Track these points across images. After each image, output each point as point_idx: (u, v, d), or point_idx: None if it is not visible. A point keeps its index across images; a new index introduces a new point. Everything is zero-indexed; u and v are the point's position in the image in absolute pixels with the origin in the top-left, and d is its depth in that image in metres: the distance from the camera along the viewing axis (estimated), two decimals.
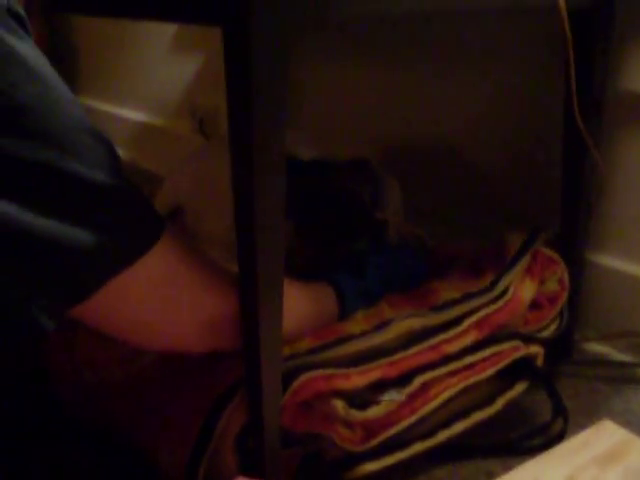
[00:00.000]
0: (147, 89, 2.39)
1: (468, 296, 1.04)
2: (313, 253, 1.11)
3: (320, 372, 0.87)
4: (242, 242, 0.77)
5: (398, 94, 1.56)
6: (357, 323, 0.98)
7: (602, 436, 0.99)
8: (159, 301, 0.78)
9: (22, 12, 0.67)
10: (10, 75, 0.62)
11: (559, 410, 1.05)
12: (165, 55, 2.25)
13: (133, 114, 2.48)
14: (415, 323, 0.98)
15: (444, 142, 1.50)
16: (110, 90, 2.60)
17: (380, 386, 0.93)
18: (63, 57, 2.76)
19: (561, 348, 1.20)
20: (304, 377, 0.85)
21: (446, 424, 0.99)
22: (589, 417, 1.10)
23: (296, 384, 0.85)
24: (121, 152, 2.42)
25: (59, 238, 0.65)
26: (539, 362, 1.08)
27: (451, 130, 1.48)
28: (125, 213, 0.71)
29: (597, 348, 1.26)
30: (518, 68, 1.33)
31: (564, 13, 0.92)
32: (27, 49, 0.65)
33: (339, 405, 0.88)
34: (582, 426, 1.06)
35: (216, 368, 0.88)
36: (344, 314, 1.01)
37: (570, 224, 1.17)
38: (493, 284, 1.07)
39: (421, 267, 1.16)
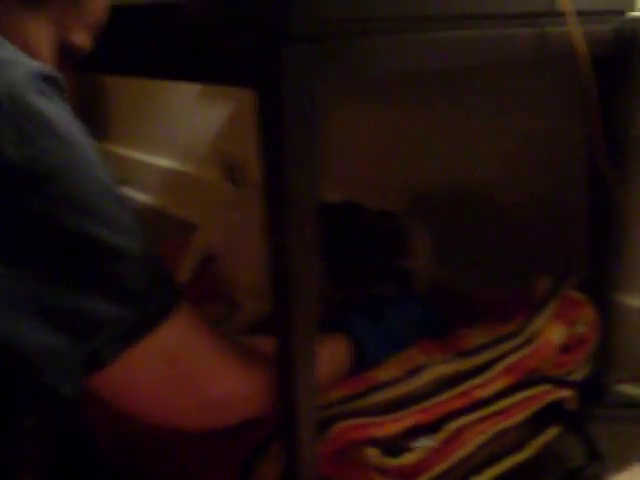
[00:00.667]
0: (177, 136, 2.43)
1: (497, 340, 1.06)
2: (342, 295, 1.13)
3: (354, 421, 0.88)
4: (277, 292, 0.79)
5: (426, 140, 1.59)
6: (387, 370, 0.99)
7: None
8: (169, 376, 0.76)
9: (54, 72, 0.67)
10: (40, 141, 0.63)
11: (593, 455, 1.05)
12: (195, 101, 2.29)
13: (163, 161, 2.52)
14: (447, 369, 1.00)
15: (471, 187, 1.52)
16: (140, 136, 2.65)
17: (413, 432, 0.94)
18: (93, 104, 2.83)
19: (592, 390, 1.20)
20: (338, 427, 0.87)
21: (477, 469, 0.99)
22: (622, 461, 1.09)
23: (331, 434, 0.86)
24: (151, 198, 2.48)
25: (76, 304, 0.65)
26: (572, 405, 1.08)
27: (478, 175, 1.50)
28: (144, 283, 0.70)
29: (629, 390, 1.26)
30: (542, 113, 1.35)
31: (586, 61, 0.94)
32: (58, 113, 0.66)
33: (373, 453, 0.89)
34: (616, 470, 1.06)
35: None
36: (365, 362, 1.01)
37: (598, 266, 1.18)
38: (522, 328, 1.09)
39: (438, 318, 1.16)
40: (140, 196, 2.60)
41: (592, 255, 1.17)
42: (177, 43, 0.83)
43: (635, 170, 1.18)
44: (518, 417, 1.02)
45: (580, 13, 0.94)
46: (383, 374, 0.98)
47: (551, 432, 1.05)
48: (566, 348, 1.13)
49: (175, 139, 2.45)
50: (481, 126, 1.47)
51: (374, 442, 0.90)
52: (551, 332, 1.09)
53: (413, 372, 0.98)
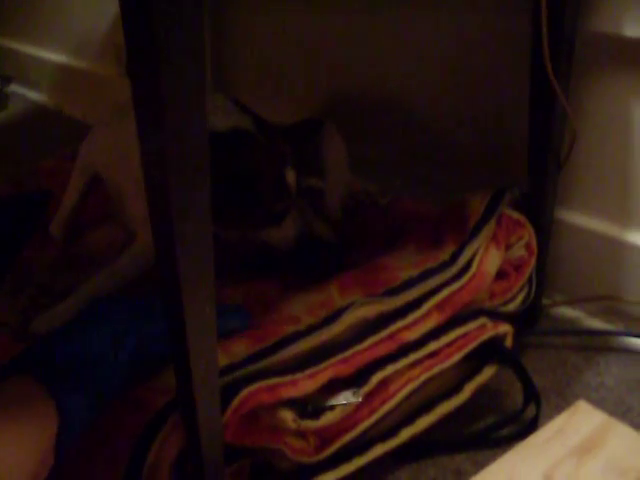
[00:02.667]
0: (69, 29, 2.18)
1: (427, 273, 0.93)
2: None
3: (262, 383, 0.75)
4: (160, 244, 0.63)
5: (350, 42, 1.41)
6: (300, 320, 0.85)
7: (578, 421, 0.90)
8: None
9: None
10: None
11: (531, 395, 0.95)
12: None
13: (55, 56, 2.27)
14: (369, 311, 0.87)
15: (403, 92, 1.37)
16: (29, 30, 2.38)
17: (333, 387, 0.82)
18: None
19: (528, 316, 1.10)
20: (245, 391, 0.74)
21: (409, 420, 0.89)
22: (562, 395, 1.01)
23: (237, 401, 0.73)
24: (44, 97, 2.25)
25: None
26: (508, 342, 0.97)
27: (410, 80, 1.34)
28: None
29: (566, 312, 1.17)
30: (480, 11, 1.18)
31: None
32: None
33: (288, 417, 0.77)
34: (555, 406, 0.98)
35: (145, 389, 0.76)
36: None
37: (538, 181, 1.05)
38: (455, 257, 0.96)
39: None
40: (32, 94, 2.35)
41: (532, 168, 1.04)
42: None
43: (581, 77, 1.04)
44: (452, 359, 0.91)
45: None
46: (295, 327, 0.84)
47: (488, 372, 0.95)
48: (502, 274, 1.02)
49: (67, 31, 2.19)
50: (412, 26, 1.30)
51: (289, 403, 0.78)
52: (487, 260, 0.97)
53: (331, 318, 0.85)
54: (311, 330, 0.83)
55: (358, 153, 1.24)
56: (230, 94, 1.02)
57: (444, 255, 0.96)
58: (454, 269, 0.94)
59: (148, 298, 0.81)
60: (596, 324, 1.14)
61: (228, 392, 0.73)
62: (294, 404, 0.78)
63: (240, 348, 0.80)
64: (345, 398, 0.81)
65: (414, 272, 0.93)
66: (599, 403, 0.96)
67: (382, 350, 0.86)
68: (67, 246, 1.18)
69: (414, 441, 0.88)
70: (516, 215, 1.03)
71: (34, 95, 2.35)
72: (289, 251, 1.02)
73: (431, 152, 1.33)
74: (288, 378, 0.78)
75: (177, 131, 0.57)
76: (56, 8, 2.20)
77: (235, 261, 1.05)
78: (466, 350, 0.92)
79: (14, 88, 2.34)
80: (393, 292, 0.90)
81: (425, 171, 1.32)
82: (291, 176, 1.00)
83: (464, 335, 0.93)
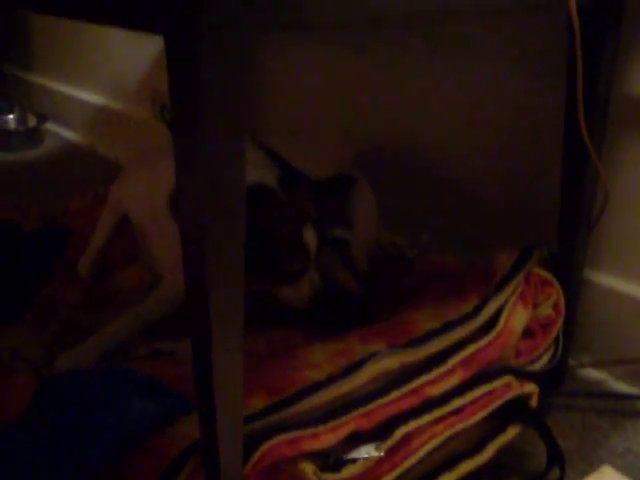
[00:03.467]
0: (106, 70, 2.22)
1: (449, 325, 0.92)
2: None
3: (283, 437, 0.74)
4: (192, 296, 0.64)
5: (384, 94, 1.43)
6: (320, 367, 0.85)
7: None
8: None
9: None
10: None
11: (555, 457, 0.94)
12: (125, 34, 2.08)
13: (91, 97, 2.31)
14: (392, 363, 0.86)
15: (434, 147, 1.37)
16: (66, 70, 2.42)
17: (356, 438, 0.81)
18: (17, 31, 2.59)
19: (554, 376, 1.08)
20: (266, 445, 0.73)
21: (430, 477, 0.87)
22: (587, 459, 0.99)
23: (257, 455, 0.72)
24: (78, 136, 2.28)
25: None
26: (533, 402, 0.96)
27: (442, 135, 1.35)
28: None
29: (593, 375, 1.15)
30: (514, 70, 1.20)
31: (574, 11, 0.79)
32: None
33: (309, 470, 0.76)
34: (579, 470, 0.96)
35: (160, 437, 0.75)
36: None
37: (568, 241, 1.04)
38: (477, 310, 0.95)
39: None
40: (66, 133, 2.39)
41: (562, 228, 1.04)
42: None
43: (614, 138, 1.04)
44: (476, 417, 0.90)
45: None
46: (315, 372, 0.83)
47: (511, 431, 0.94)
48: (529, 332, 1.01)
49: (105, 73, 2.24)
50: (444, 81, 1.31)
51: (310, 455, 0.77)
52: (514, 318, 0.96)
53: (351, 369, 0.84)
54: (331, 380, 0.82)
55: (388, 205, 1.25)
56: (260, 139, 1.03)
57: (467, 307, 0.96)
58: (477, 322, 0.93)
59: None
60: (623, 387, 1.13)
61: (248, 445, 0.72)
62: (315, 456, 0.78)
63: (257, 400, 0.79)
64: (367, 452, 0.81)
65: (437, 324, 0.92)
66: (625, 470, 0.94)
67: (406, 404, 0.85)
68: (93, 285, 1.19)
69: None
70: (545, 274, 1.03)
71: (69, 134, 2.39)
72: (303, 309, 1.03)
73: (461, 207, 1.33)
74: (310, 431, 0.77)
75: (213, 180, 0.58)
76: (94, 49, 2.25)
77: (259, 309, 1.05)
78: (490, 408, 0.91)
79: (49, 126, 2.38)
80: (415, 343, 0.89)
81: (454, 226, 1.32)
82: (310, 236, 1.00)
83: (489, 393, 0.92)
